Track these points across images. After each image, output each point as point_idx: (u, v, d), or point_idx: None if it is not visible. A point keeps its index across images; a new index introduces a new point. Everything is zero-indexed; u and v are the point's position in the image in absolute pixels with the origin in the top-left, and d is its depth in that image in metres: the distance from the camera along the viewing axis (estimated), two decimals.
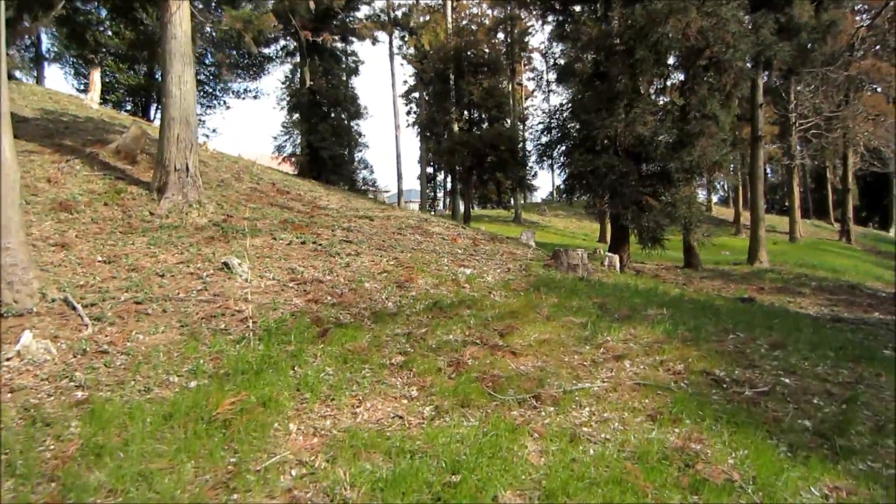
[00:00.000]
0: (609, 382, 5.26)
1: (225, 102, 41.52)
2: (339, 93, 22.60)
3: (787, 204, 39.75)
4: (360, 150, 44.13)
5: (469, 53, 22.97)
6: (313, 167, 21.81)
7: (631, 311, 7.75)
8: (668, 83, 14.80)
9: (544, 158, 15.54)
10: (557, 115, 15.13)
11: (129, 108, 22.75)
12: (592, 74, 14.67)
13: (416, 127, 28.16)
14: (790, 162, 35.97)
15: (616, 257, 12.65)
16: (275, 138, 25.61)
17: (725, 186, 56.54)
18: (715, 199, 71.76)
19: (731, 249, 29.46)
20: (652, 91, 14.79)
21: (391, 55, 30.72)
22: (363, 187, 44.57)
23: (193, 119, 10.27)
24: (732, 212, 41.63)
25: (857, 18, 35.70)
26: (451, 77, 23.23)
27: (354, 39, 24.91)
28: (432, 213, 42.07)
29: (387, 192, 78.14)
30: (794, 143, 35.26)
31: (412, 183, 68.43)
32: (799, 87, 36.02)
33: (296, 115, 22.68)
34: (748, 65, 16.93)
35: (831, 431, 4.49)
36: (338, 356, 5.47)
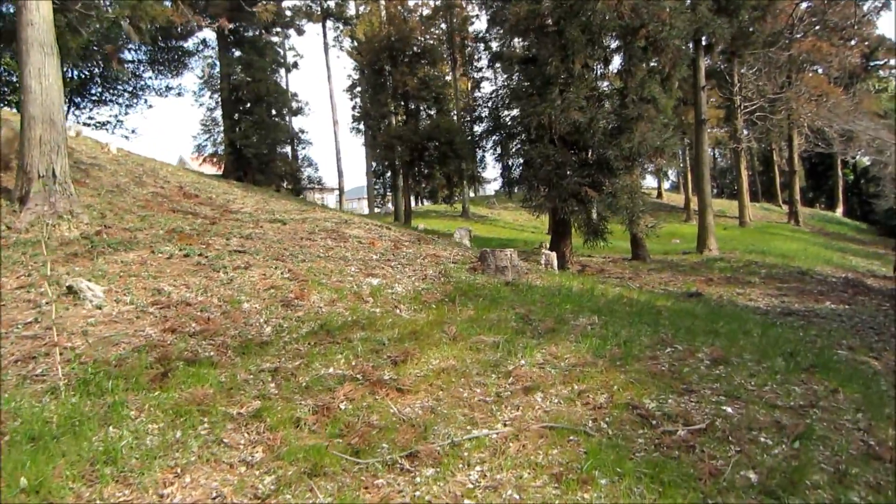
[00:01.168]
0: (512, 426, 4.21)
1: (146, 101, 39.37)
2: (261, 86, 21.13)
3: (736, 188, 39.68)
4: (304, 148, 42.61)
5: (402, 43, 21.77)
6: (237, 166, 20.33)
7: (557, 323, 6.75)
8: (607, 66, 13.90)
9: (477, 150, 14.50)
10: (489, 104, 14.11)
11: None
12: (524, 58, 13.68)
13: (358, 122, 26.89)
14: (737, 145, 35.84)
15: (553, 255, 11.71)
16: (194, 137, 24.11)
17: (675, 172, 56.65)
18: (666, 185, 72.17)
19: (682, 237, 29.01)
20: (590, 75, 13.86)
21: (325, 47, 29.30)
22: (309, 186, 43.06)
23: (59, 117, 8.88)
24: (683, 198, 41.46)
25: None
26: (386, 68, 22.01)
27: (279, 29, 23.41)
28: (379, 210, 40.86)
29: (335, 189, 76.55)
30: (739, 126, 35.12)
31: (362, 180, 67.02)
32: (742, 70, 35.88)
33: (217, 112, 21.18)
34: (689, 45, 16.17)
35: (781, 486, 3.52)
36: (171, 408, 4.30)
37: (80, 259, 7.46)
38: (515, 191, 14.94)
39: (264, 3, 17.51)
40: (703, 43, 21.20)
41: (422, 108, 23.51)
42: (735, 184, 42.59)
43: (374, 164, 27.16)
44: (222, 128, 21.37)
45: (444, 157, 21.16)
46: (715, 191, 72.01)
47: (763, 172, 57.26)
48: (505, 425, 4.25)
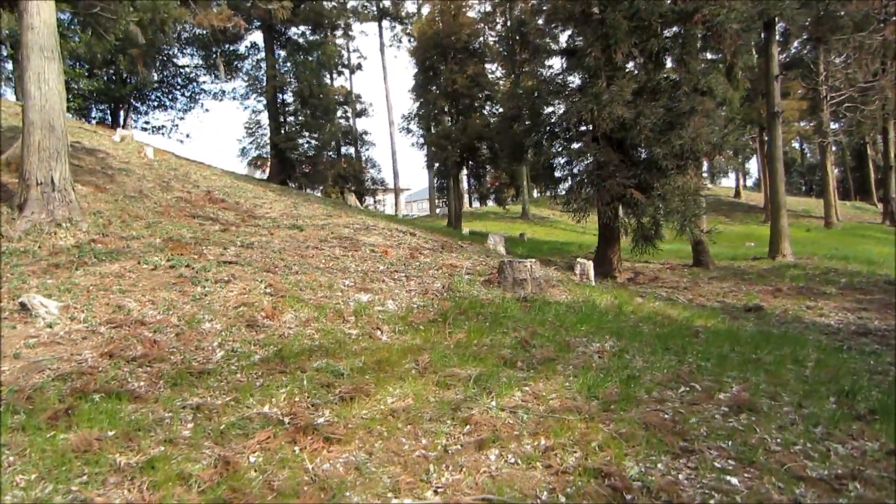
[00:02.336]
0: (442, 496, 3.37)
1: (202, 105, 39.98)
2: (305, 88, 20.83)
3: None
4: (367, 149, 42.62)
5: (451, 39, 21.00)
6: (281, 170, 20.13)
7: (559, 350, 5.82)
8: (657, 56, 12.60)
9: (515, 152, 13.52)
10: (528, 101, 13.09)
11: (97, 116, 21.53)
12: (563, 50, 12.63)
13: (407, 122, 26.36)
14: (823, 139, 33.10)
15: (589, 264, 10.65)
16: (239, 141, 24.10)
17: (758, 169, 53.27)
18: (750, 182, 68.21)
19: (758, 240, 26.90)
20: (636, 66, 12.64)
21: (381, 47, 28.91)
22: (373, 187, 43.04)
23: (60, 123, 8.64)
24: (763, 197, 38.81)
25: None
26: (436, 66, 21.33)
27: (326, 29, 23.14)
28: (440, 211, 40.27)
29: (406, 189, 76.59)
30: (825, 118, 32.37)
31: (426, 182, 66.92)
32: (830, 58, 33.12)
33: (263, 115, 21.07)
34: (760, 32, 14.59)
35: None
36: (55, 454, 3.70)
37: (60, 270, 7.12)
38: (559, 192, 13.84)
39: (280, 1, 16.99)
40: (779, 28, 19.41)
41: (476, 105, 22.67)
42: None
43: (434, 165, 26.48)
44: (266, 131, 21.29)
45: (496, 157, 20.26)
46: (803, 188, 67.59)
47: (856, 168, 53.11)
48: (436, 492, 3.41)
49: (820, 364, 6.60)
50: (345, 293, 7.07)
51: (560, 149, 12.14)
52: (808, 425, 4.39)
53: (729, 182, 53.44)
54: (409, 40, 30.09)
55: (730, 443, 4.00)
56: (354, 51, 48.39)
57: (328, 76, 45.62)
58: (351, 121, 42.58)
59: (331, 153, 43.85)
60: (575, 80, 12.53)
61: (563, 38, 13.36)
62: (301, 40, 21.98)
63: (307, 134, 20.68)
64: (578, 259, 10.76)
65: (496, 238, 12.78)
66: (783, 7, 13.45)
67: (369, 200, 42.73)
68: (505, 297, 7.75)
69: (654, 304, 9.34)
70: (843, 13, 31.27)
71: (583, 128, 12.38)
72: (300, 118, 20.92)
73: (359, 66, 42.73)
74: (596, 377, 5.06)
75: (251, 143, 21.67)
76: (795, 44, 38.68)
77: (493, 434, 4.00)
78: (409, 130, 23.39)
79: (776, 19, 17.12)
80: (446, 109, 22.60)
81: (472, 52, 21.48)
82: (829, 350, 7.81)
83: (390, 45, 31.09)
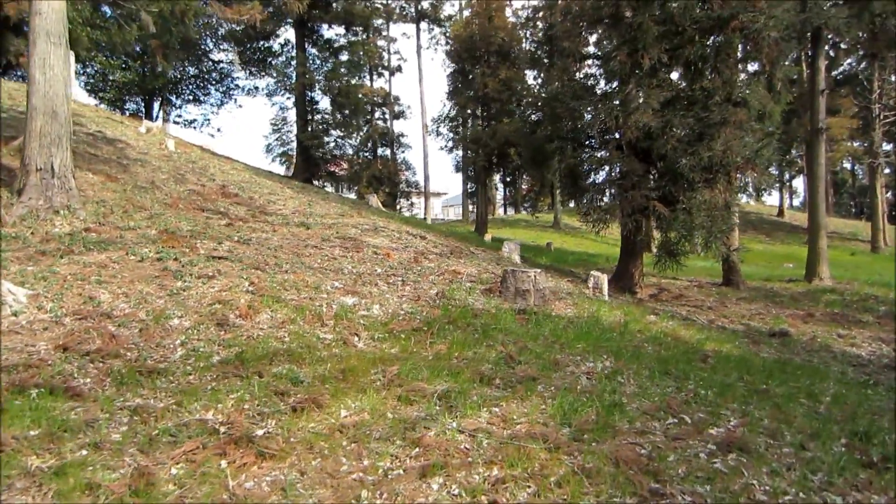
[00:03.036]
0: None
1: (236, 100, 40.18)
2: (333, 87, 20.69)
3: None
4: (404, 152, 42.56)
5: (484, 42, 20.63)
6: (306, 167, 20.01)
7: (544, 369, 5.40)
8: (688, 63, 12.01)
9: (537, 158, 13.04)
10: (551, 105, 12.58)
11: (131, 107, 21.80)
12: (588, 55, 12.14)
13: (437, 124, 26.00)
14: (873, 160, 31.68)
15: (603, 277, 10.14)
16: (265, 137, 24.03)
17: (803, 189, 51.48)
18: (797, 202, 65.95)
19: (798, 261, 25.79)
20: (666, 73, 12.06)
21: (418, 49, 28.75)
22: (406, 189, 42.90)
23: (63, 109, 8.55)
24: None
25: None
26: (469, 68, 20.99)
27: (358, 28, 22.98)
28: (473, 216, 39.87)
29: (444, 194, 76.21)
30: (877, 138, 30.98)
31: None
32: (886, 75, 31.72)
33: (290, 113, 20.98)
34: (808, 42, 13.87)
35: None
36: None
37: (45, 258, 6.98)
38: (582, 202, 13.27)
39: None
40: (830, 41, 18.56)
41: (507, 110, 22.24)
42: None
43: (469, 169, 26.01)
44: (293, 128, 21.23)
45: (526, 164, 19.79)
46: (853, 211, 65.03)
47: None
48: None
49: (837, 400, 6.03)
50: (331, 295, 6.76)
51: (583, 156, 11.64)
52: (806, 471, 3.89)
53: (774, 200, 51.77)
54: (448, 43, 29.85)
55: (708, 487, 3.53)
56: (395, 52, 48.30)
57: (367, 76, 45.83)
58: (388, 122, 42.65)
59: (367, 154, 43.95)
60: (602, 85, 12.05)
61: (593, 40, 12.89)
62: (343, 40, 21.99)
63: (334, 133, 20.58)
64: (592, 272, 10.26)
65: (511, 246, 12.34)
66: (828, 16, 12.69)
67: (404, 203, 42.66)
68: (502, 308, 7.35)
69: (667, 324, 8.80)
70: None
71: (609, 136, 11.86)
72: (327, 117, 20.82)
73: (398, 69, 42.71)
74: (576, 401, 4.63)
75: (276, 139, 21.64)
76: (849, 60, 37.26)
77: (444, 459, 3.61)
78: (438, 133, 23.07)
79: (824, 31, 16.31)
80: (476, 113, 22.23)
81: (506, 56, 21.09)
82: (852, 384, 7.19)
83: (427, 48, 30.87)
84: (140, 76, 19.41)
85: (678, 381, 5.71)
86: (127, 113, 20.38)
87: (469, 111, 21.41)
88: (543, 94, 13.27)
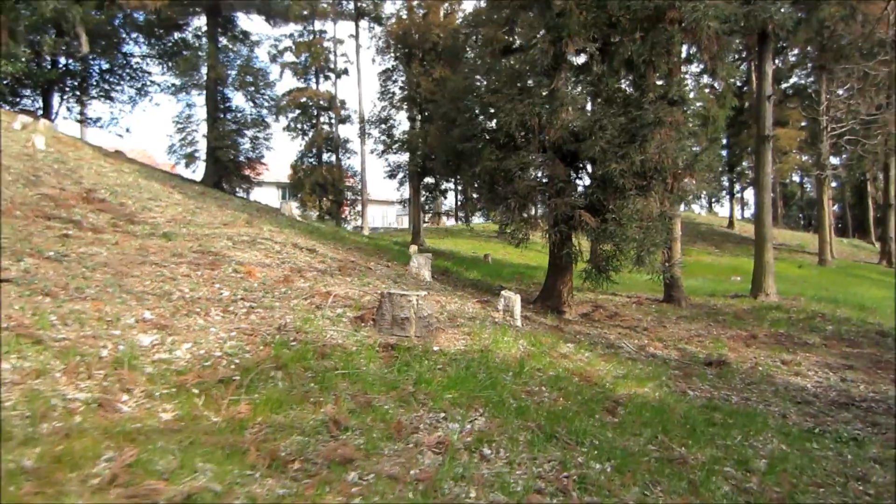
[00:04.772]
0: None
1: (151, 98, 37.45)
2: (246, 82, 18.94)
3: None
4: (349, 157, 40.77)
5: (418, 39, 19.21)
6: (216, 171, 18.19)
7: (378, 440, 3.91)
8: (612, 55, 10.73)
9: (451, 161, 11.60)
10: (464, 100, 11.16)
11: (26, 103, 19.55)
12: (507, 47, 10.79)
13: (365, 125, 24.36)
14: (820, 172, 31.30)
15: (515, 298, 8.72)
16: (169, 137, 21.33)
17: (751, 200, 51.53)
18: (748, 213, 66.26)
19: (745, 274, 24.95)
20: (596, 66, 10.75)
21: (357, 49, 27.21)
22: (355, 197, 41.05)
23: None
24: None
25: None
26: (401, 66, 19.54)
27: (279, 20, 21.31)
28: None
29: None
30: (825, 150, 30.57)
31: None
32: (833, 88, 31.41)
33: (197, 111, 19.14)
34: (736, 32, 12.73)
35: None
36: None
37: None
38: (500, 211, 11.80)
39: None
40: (777, 44, 17.72)
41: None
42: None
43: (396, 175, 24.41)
44: (197, 128, 19.34)
45: (440, 167, 18.26)
46: (802, 223, 65.72)
47: (855, 205, 51.35)
48: None
49: (774, 467, 4.69)
50: (126, 332, 5.14)
51: (500, 160, 10.24)
52: None
53: (726, 211, 51.55)
54: (379, 38, 28.29)
55: None
56: (342, 55, 46.61)
57: (313, 79, 44.00)
58: (334, 127, 40.88)
59: (311, 160, 42.02)
60: (526, 80, 10.66)
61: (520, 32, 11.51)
62: (261, 34, 20.17)
63: (250, 133, 18.83)
64: (504, 292, 8.84)
65: (421, 260, 10.83)
66: (772, 11, 11.60)
67: (352, 212, 40.87)
68: (366, 343, 5.82)
69: (582, 356, 7.40)
70: (847, 42, 29.65)
71: (532, 136, 10.47)
72: (239, 116, 19.10)
73: (345, 72, 41.08)
74: (397, 500, 3.13)
75: (182, 140, 19.62)
76: (798, 72, 37.14)
77: None
78: (368, 135, 21.44)
79: (770, 32, 15.34)
80: (410, 115, 20.76)
81: (441, 54, 19.67)
82: (795, 435, 5.87)
83: (368, 48, 29.35)
84: (31, 68, 17.22)
85: (567, 448, 4.29)
86: (16, 109, 18.27)
87: (406, 113, 19.95)
88: (458, 90, 11.79)
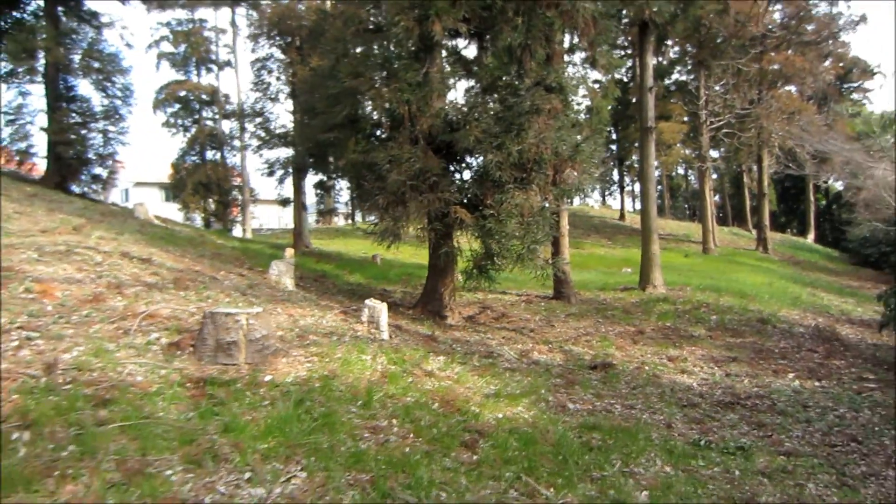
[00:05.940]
0: None
1: None
2: (92, 68, 16.83)
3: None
4: (235, 155, 38.46)
5: (293, 24, 17.83)
6: (58, 169, 16.02)
7: None
8: (486, 37, 10.01)
9: (314, 154, 10.50)
10: (325, 86, 10.08)
11: None
12: (373, 27, 9.82)
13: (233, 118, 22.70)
14: (702, 164, 32.43)
15: (381, 307, 7.74)
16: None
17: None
18: (640, 206, 68.70)
19: (635, 265, 25.26)
20: (473, 51, 9.99)
21: (234, 38, 25.40)
22: (250, 198, 38.69)
23: None
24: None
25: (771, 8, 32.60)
26: (275, 54, 18.12)
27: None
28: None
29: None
30: (705, 143, 31.67)
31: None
32: (711, 83, 32.62)
33: (28, 100, 16.74)
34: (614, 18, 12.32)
35: None
36: None
37: None
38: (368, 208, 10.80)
39: None
40: (657, 36, 17.77)
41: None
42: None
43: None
44: (34, 120, 16.95)
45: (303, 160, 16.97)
46: (688, 213, 68.88)
47: (734, 195, 54.22)
48: None
49: (657, 500, 3.96)
50: None
51: (366, 152, 9.24)
52: None
53: (619, 204, 52.89)
54: (250, 25, 26.35)
55: None
56: (225, 46, 44.19)
57: (194, 71, 41.25)
58: (217, 123, 38.48)
59: (193, 158, 39.31)
60: (391, 64, 9.72)
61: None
62: (108, 16, 17.99)
63: (100, 126, 16.68)
64: (368, 301, 7.84)
65: (281, 266, 9.64)
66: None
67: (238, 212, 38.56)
68: (173, 379, 4.65)
69: (451, 373, 6.52)
70: (722, 39, 30.83)
71: (402, 126, 9.52)
72: (87, 108, 16.89)
73: (228, 63, 38.77)
74: None
75: (13, 133, 17.10)
76: (679, 69, 38.48)
77: None
78: (244, 129, 19.84)
79: (649, 22, 15.18)
80: (294, 107, 19.27)
81: (318, 41, 18.28)
82: (681, 452, 5.24)
83: (248, 36, 27.41)
84: None
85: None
86: None
87: (284, 106, 18.54)
88: (320, 74, 10.67)
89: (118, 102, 17.55)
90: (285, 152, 18.35)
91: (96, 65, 16.95)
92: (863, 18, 34.75)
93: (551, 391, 6.74)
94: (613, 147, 41.50)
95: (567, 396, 6.73)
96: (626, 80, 36.94)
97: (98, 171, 17.44)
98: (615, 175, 46.89)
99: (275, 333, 6.17)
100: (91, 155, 17.03)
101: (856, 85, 45.80)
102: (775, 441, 6.04)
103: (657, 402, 7.19)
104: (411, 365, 6.33)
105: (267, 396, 4.74)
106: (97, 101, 21.20)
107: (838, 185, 45.50)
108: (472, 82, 10.60)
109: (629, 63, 35.63)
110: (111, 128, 17.34)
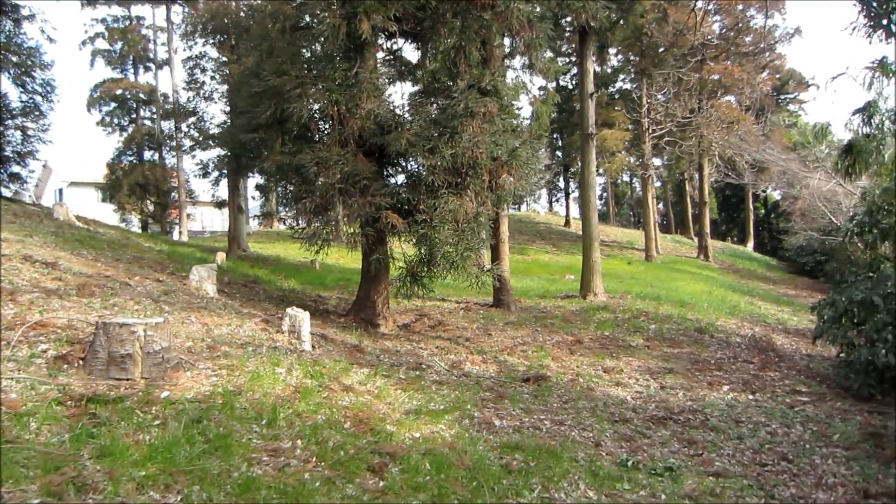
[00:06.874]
0: None
1: None
2: (9, 63, 15.80)
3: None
4: (174, 155, 37.20)
5: (227, 21, 17.19)
6: None
7: None
8: (421, 37, 9.72)
9: (238, 154, 10.03)
10: (248, 84, 9.61)
11: None
12: (298, 24, 9.40)
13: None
14: (644, 172, 32.96)
15: (303, 316, 7.31)
16: None
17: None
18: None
19: (578, 272, 25.38)
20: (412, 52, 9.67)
21: (169, 36, 24.39)
22: (190, 200, 37.40)
23: None
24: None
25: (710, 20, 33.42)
26: (207, 53, 17.44)
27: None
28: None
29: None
30: (647, 151, 32.19)
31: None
32: (653, 92, 33.20)
33: None
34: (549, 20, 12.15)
35: None
36: None
37: None
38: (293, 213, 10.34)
39: None
40: (595, 43, 17.83)
41: None
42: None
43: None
44: None
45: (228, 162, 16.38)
46: (633, 220, 70.17)
47: (677, 203, 55.46)
48: None
49: None
50: None
51: (292, 154, 8.81)
52: None
53: (562, 211, 53.45)
54: (182, 24, 25.46)
55: None
56: (163, 44, 42.92)
57: (131, 69, 39.81)
58: (156, 122, 37.16)
59: (131, 158, 37.91)
60: (319, 63, 9.31)
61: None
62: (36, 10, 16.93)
63: (18, 123, 15.67)
64: (289, 310, 7.40)
65: (202, 272, 9.08)
66: (586, 4, 11.09)
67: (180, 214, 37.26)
68: (48, 396, 4.15)
69: (372, 387, 6.14)
70: (663, 49, 31.47)
71: (330, 127, 9.12)
72: (4, 103, 15.81)
73: (167, 62, 37.49)
74: None
75: None
76: (622, 77, 39.14)
77: None
78: (178, 129, 19.01)
79: (588, 28, 15.18)
80: (225, 109, 18.60)
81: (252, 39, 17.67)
82: (606, 474, 4.98)
83: (183, 34, 26.49)
84: None
85: None
86: None
87: (202, 101, 17.78)
88: (243, 74, 10.18)
89: (38, 99, 16.57)
90: (220, 153, 17.73)
91: (14, 59, 15.94)
92: (797, 31, 35.90)
93: (478, 406, 6.42)
94: (559, 154, 41.85)
95: (495, 412, 6.43)
96: (570, 87, 37.27)
97: (16, 169, 16.43)
98: (561, 182, 47.23)
99: (180, 345, 5.69)
100: (8, 152, 15.99)
101: (792, 96, 47.47)
102: (706, 460, 5.86)
103: (588, 417, 6.97)
104: (329, 379, 5.93)
105: (159, 415, 4.28)
106: (14, 96, 20.07)
107: (776, 195, 46.98)
108: (417, 85, 10.27)
109: (573, 70, 36.01)
110: (31, 125, 16.34)
